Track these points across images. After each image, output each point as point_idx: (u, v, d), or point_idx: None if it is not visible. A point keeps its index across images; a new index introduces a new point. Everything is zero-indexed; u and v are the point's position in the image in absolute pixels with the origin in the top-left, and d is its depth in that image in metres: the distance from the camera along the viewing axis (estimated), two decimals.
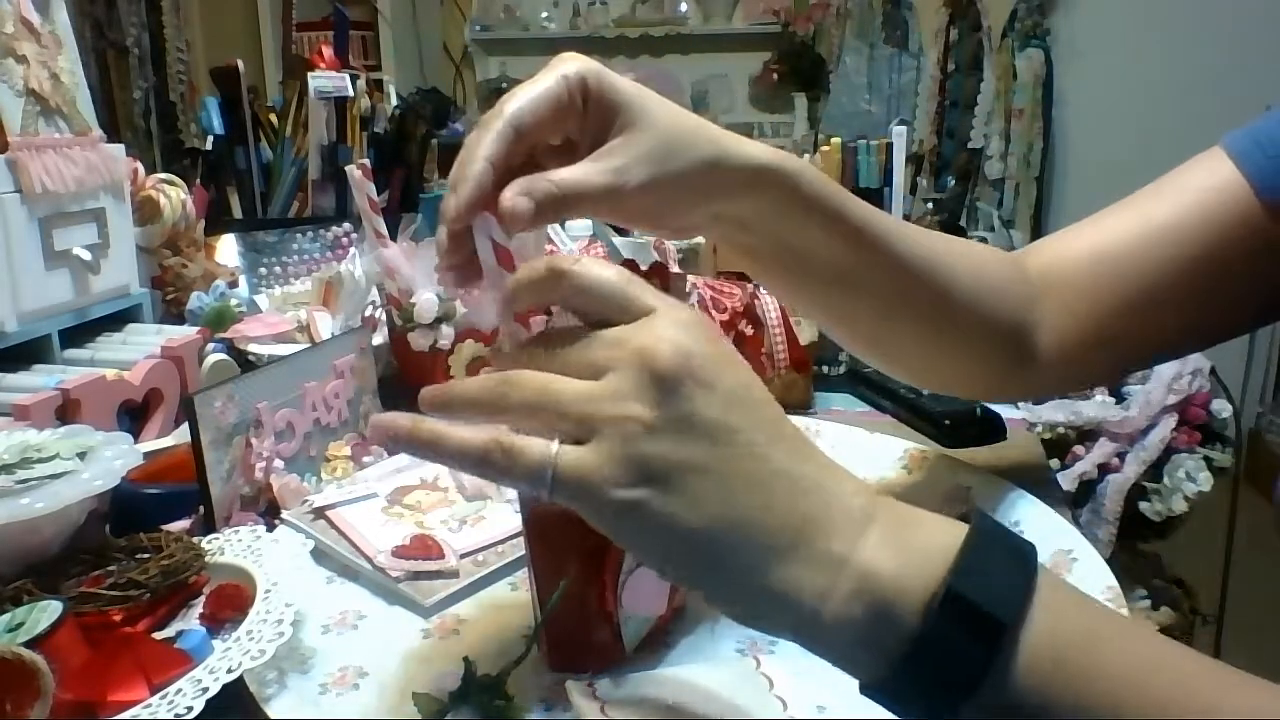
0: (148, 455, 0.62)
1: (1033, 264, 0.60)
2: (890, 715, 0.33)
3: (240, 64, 1.23)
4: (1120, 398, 1.47)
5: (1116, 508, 1.42)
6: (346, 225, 1.16)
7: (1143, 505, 1.44)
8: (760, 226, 0.49)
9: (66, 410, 0.67)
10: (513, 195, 0.39)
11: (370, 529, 0.60)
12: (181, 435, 0.66)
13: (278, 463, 0.65)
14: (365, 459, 0.71)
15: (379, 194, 0.84)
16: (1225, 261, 0.55)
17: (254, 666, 0.43)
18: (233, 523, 0.60)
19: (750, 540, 0.32)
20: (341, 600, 0.56)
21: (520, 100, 0.41)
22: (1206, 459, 1.44)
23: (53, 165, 0.78)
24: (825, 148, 1.16)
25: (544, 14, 3.59)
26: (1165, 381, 1.43)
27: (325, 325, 0.84)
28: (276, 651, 0.44)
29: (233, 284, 1.02)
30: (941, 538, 0.33)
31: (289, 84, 1.26)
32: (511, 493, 0.62)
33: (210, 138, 1.24)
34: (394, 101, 1.38)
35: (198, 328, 0.85)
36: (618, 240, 0.84)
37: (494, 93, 3.48)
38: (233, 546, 0.54)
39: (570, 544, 0.47)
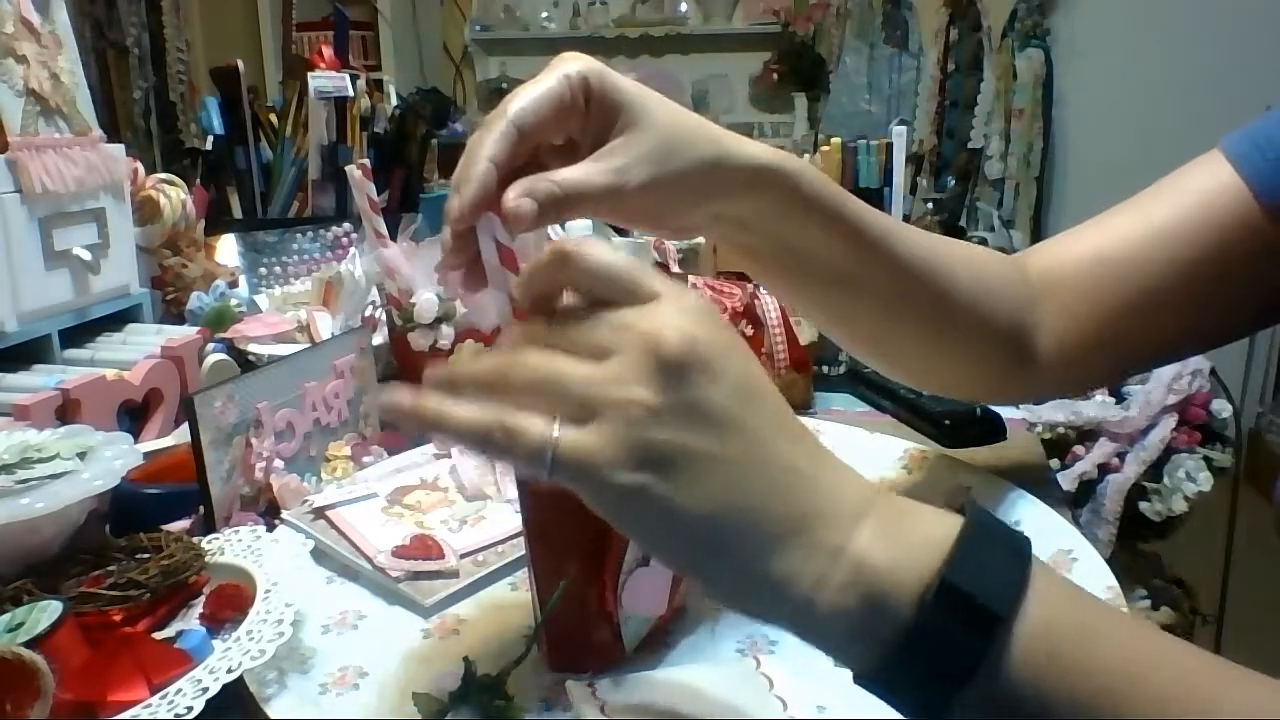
0: (148, 455, 0.62)
1: (1033, 266, 0.60)
2: (890, 716, 0.33)
3: (240, 64, 1.23)
4: (1120, 398, 1.47)
5: (1116, 508, 1.42)
6: (346, 225, 1.16)
7: (1143, 505, 1.44)
8: (760, 226, 0.49)
9: (66, 410, 0.67)
10: (515, 196, 0.39)
11: (370, 529, 0.60)
12: (181, 435, 0.66)
13: (278, 463, 0.65)
14: (365, 459, 0.72)
15: (379, 194, 0.84)
16: (1225, 264, 0.55)
17: (254, 666, 0.43)
18: (233, 523, 0.60)
19: (749, 529, 0.32)
20: (341, 600, 0.56)
21: (523, 100, 0.41)
22: (1206, 459, 1.44)
23: (53, 165, 0.78)
24: (825, 148, 1.16)
25: (544, 14, 3.59)
26: (1165, 382, 1.43)
27: (325, 325, 0.84)
28: (276, 651, 0.44)
29: (233, 284, 1.02)
30: (937, 530, 0.33)
31: (289, 84, 1.26)
32: (512, 492, 0.62)
33: (210, 138, 1.24)
34: (394, 101, 1.38)
35: (198, 328, 0.85)
36: (618, 240, 0.84)
37: (494, 93, 3.48)
38: (233, 546, 0.54)
39: (570, 544, 0.47)
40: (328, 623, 0.54)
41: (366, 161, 0.81)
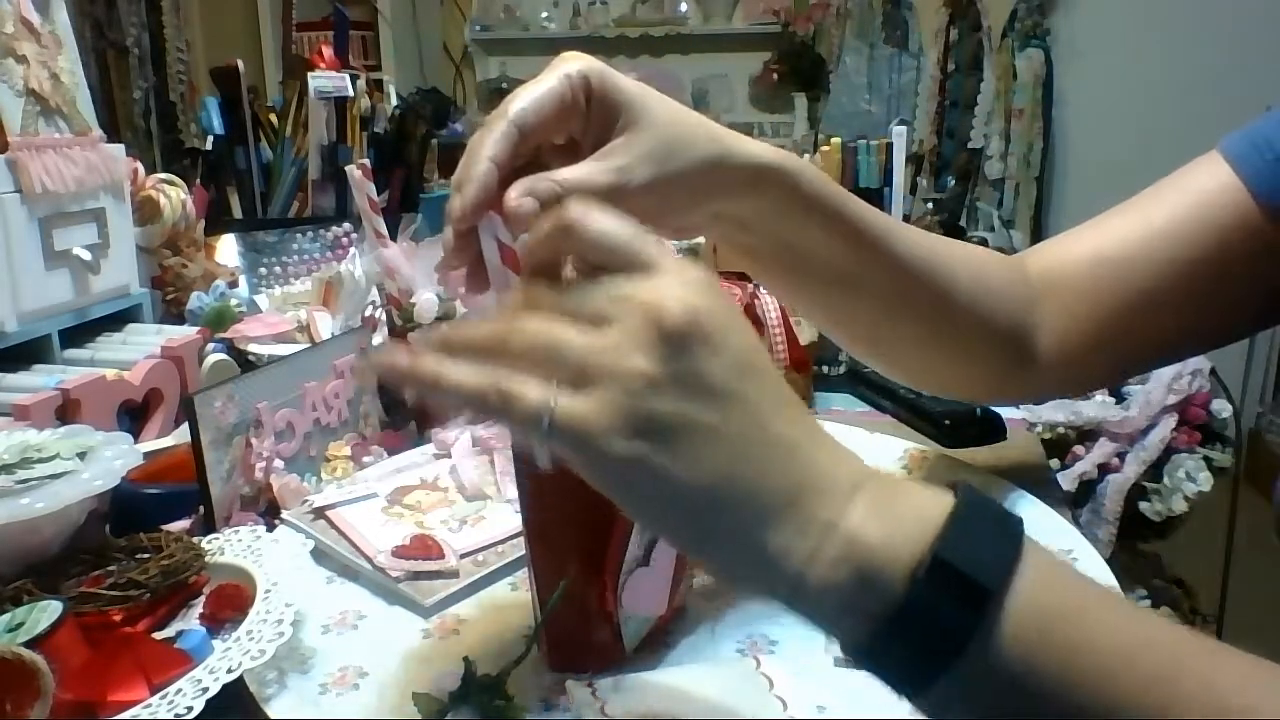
0: (148, 455, 0.62)
1: (1033, 266, 0.60)
2: (891, 717, 0.33)
3: (240, 64, 1.23)
4: (1120, 398, 1.47)
5: (1116, 508, 1.42)
6: (346, 225, 1.16)
7: (1143, 505, 1.44)
8: (760, 226, 0.49)
9: (66, 410, 0.67)
10: (517, 196, 0.39)
11: (370, 529, 0.60)
12: (181, 435, 0.66)
13: (278, 463, 0.65)
14: (365, 459, 0.72)
15: (379, 194, 0.84)
16: (1225, 265, 0.55)
17: (254, 666, 0.43)
18: (233, 523, 0.60)
19: (744, 503, 0.32)
20: (341, 600, 0.56)
21: (524, 100, 0.41)
22: (1206, 459, 1.44)
23: (53, 165, 0.78)
24: (825, 148, 1.16)
25: (544, 14, 3.59)
26: (1165, 382, 1.43)
27: (325, 325, 0.84)
28: (276, 651, 0.44)
29: (233, 284, 1.02)
30: (929, 507, 0.33)
31: (289, 84, 1.26)
32: (512, 492, 0.63)
33: (210, 138, 1.24)
34: (394, 101, 1.38)
35: (198, 328, 0.85)
36: None
37: (494, 93, 3.48)
38: (233, 546, 0.54)
39: (570, 544, 0.47)
40: (328, 623, 0.54)
41: (366, 161, 0.81)
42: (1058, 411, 1.42)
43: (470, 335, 0.34)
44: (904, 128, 1.16)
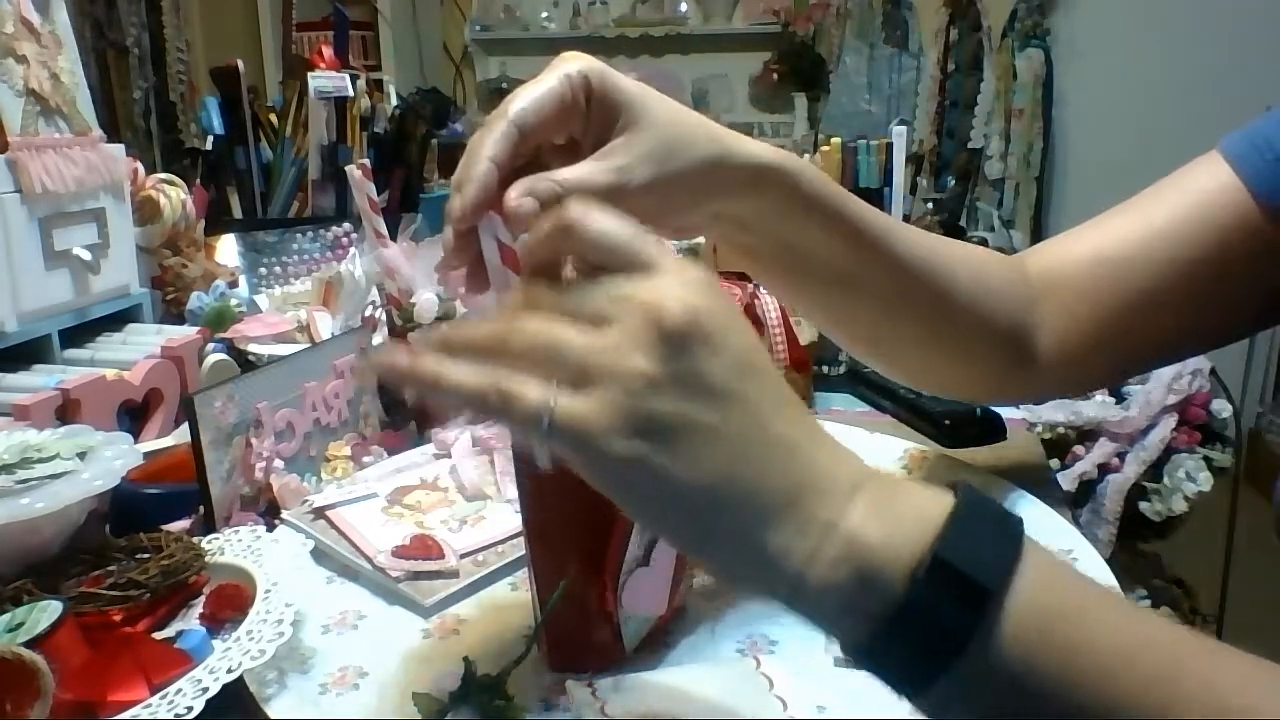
0: (148, 455, 0.62)
1: (1033, 267, 0.60)
2: (891, 717, 0.33)
3: (240, 64, 1.23)
4: (1120, 398, 1.47)
5: (1116, 508, 1.42)
6: (346, 225, 1.16)
7: (1143, 505, 1.44)
8: (760, 226, 0.49)
9: (66, 410, 0.67)
10: (517, 196, 0.39)
11: (370, 529, 0.60)
12: (181, 435, 0.66)
13: (278, 463, 0.65)
14: (365, 459, 0.72)
15: (379, 194, 0.84)
16: (1225, 264, 0.55)
17: (254, 666, 0.43)
18: (233, 523, 0.60)
19: (743, 503, 0.32)
20: (341, 600, 0.56)
21: (523, 100, 0.41)
22: (1206, 459, 1.44)
23: (53, 165, 0.78)
24: (825, 148, 1.16)
25: (544, 14, 3.59)
26: (1165, 381, 1.43)
27: (325, 325, 0.84)
28: (276, 651, 0.44)
29: (233, 284, 1.02)
30: (929, 507, 0.33)
31: (289, 84, 1.26)
32: (512, 492, 0.63)
33: (210, 138, 1.24)
34: (394, 101, 1.38)
35: (198, 328, 0.85)
36: None
37: (494, 93, 3.48)
38: (233, 546, 0.54)
39: (570, 544, 0.47)
40: (328, 623, 0.54)
41: (366, 161, 0.81)
42: (1058, 411, 1.42)
43: (470, 335, 0.34)
44: (904, 128, 1.16)
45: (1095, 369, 0.62)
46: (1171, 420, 1.44)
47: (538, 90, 0.41)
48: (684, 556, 0.51)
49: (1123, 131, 2.88)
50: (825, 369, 0.91)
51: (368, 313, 0.84)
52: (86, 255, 0.81)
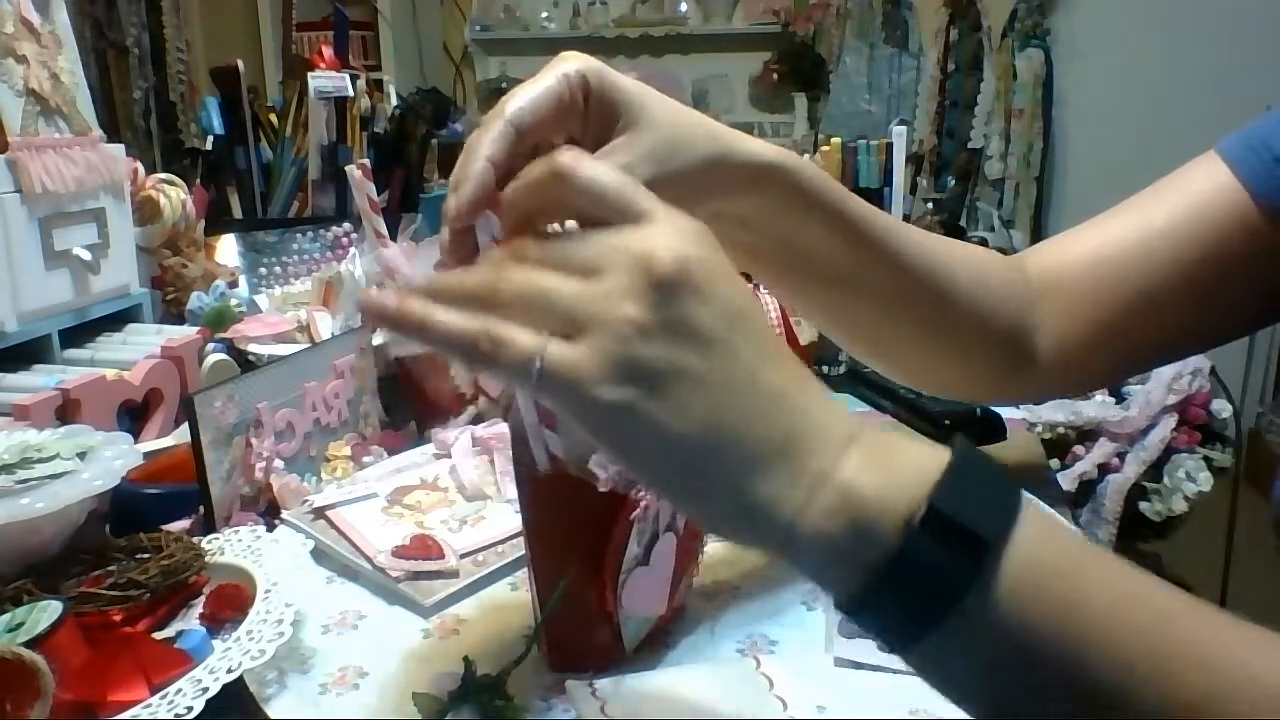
0: (148, 455, 0.62)
1: (1032, 267, 0.60)
2: (891, 717, 0.33)
3: (240, 64, 1.23)
4: (1120, 398, 1.47)
5: (1116, 508, 1.42)
6: (346, 225, 1.16)
7: (1143, 505, 1.44)
8: (761, 225, 0.49)
9: (66, 410, 0.67)
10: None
11: (370, 529, 0.60)
12: (181, 435, 0.66)
13: (278, 463, 0.65)
14: (365, 459, 0.72)
15: (379, 194, 0.84)
16: (1224, 264, 0.55)
17: (254, 666, 0.43)
18: (233, 523, 0.60)
19: (734, 452, 0.32)
20: (341, 600, 0.56)
21: (521, 100, 0.41)
22: (1206, 459, 1.44)
23: (53, 165, 0.78)
24: (825, 148, 1.16)
25: (544, 14, 3.59)
26: (1165, 381, 1.43)
27: (325, 325, 0.84)
28: (276, 651, 0.44)
29: (233, 284, 1.02)
30: (925, 460, 0.33)
31: (289, 84, 1.26)
32: (512, 492, 0.62)
33: (210, 138, 1.24)
34: (394, 101, 1.38)
35: (198, 328, 0.85)
36: None
37: (494, 93, 3.48)
38: (233, 546, 0.54)
39: (570, 544, 0.47)
40: (328, 623, 0.54)
41: (366, 161, 0.81)
42: (1058, 411, 1.42)
43: (459, 283, 0.34)
44: (904, 128, 1.16)
45: (1095, 369, 0.62)
46: (1171, 420, 1.44)
47: (535, 90, 0.41)
48: (684, 557, 0.51)
49: (1123, 131, 2.88)
50: (825, 369, 0.91)
51: None
52: (86, 255, 0.81)
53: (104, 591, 0.49)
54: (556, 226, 0.35)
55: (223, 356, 0.81)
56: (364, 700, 0.47)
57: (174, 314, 0.96)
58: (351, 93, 1.23)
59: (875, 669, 0.48)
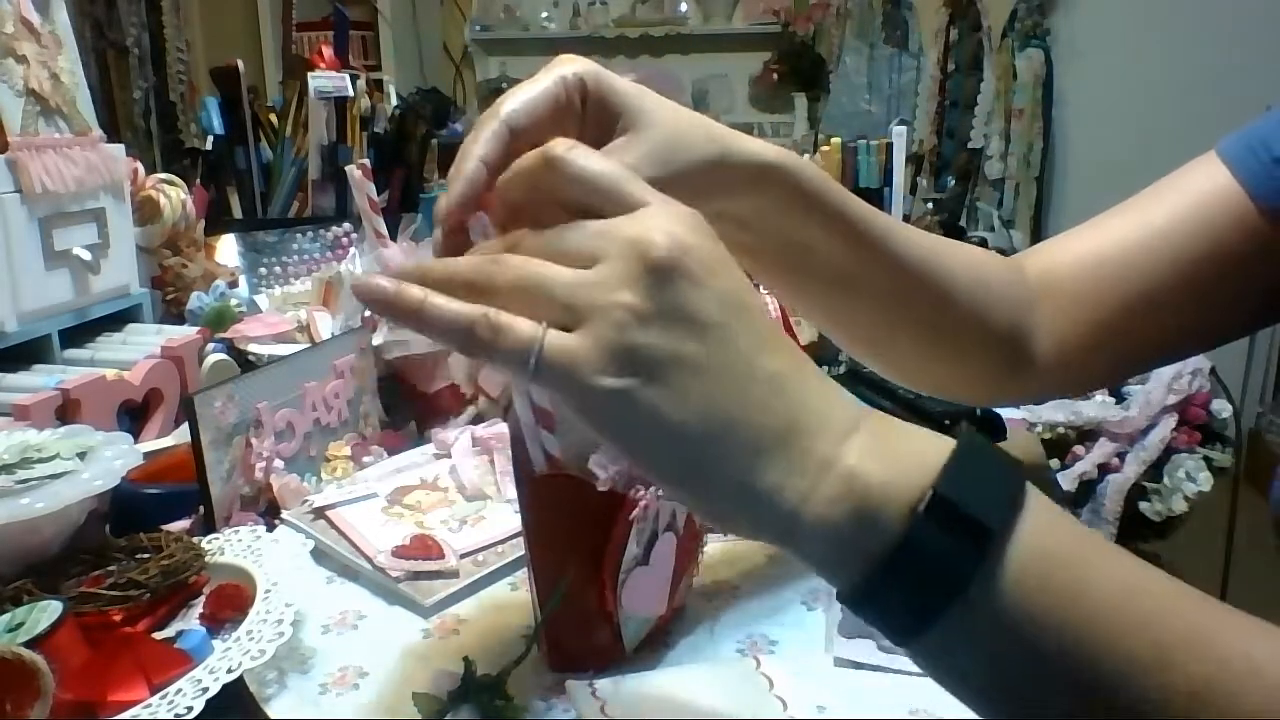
0: (148, 455, 0.62)
1: (1032, 268, 0.60)
2: (890, 716, 0.33)
3: (240, 64, 1.23)
4: (1120, 398, 1.47)
5: (1116, 508, 1.42)
6: (346, 225, 1.16)
7: (1143, 505, 1.44)
8: (761, 225, 0.49)
9: (66, 410, 0.67)
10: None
11: (370, 529, 0.60)
12: (181, 435, 0.66)
13: (278, 463, 0.65)
14: (365, 459, 0.72)
15: (379, 194, 0.84)
16: (1224, 265, 0.55)
17: (254, 666, 0.43)
18: (233, 523, 0.60)
19: (734, 439, 0.32)
20: (341, 600, 0.56)
21: (515, 101, 0.41)
22: (1206, 459, 1.44)
23: (53, 165, 0.78)
24: (825, 148, 1.16)
25: (544, 14, 3.59)
26: (1165, 381, 1.43)
27: (325, 325, 0.84)
28: (276, 651, 0.44)
29: (233, 284, 1.02)
30: (929, 449, 0.33)
31: (289, 84, 1.26)
32: (512, 492, 0.63)
33: (210, 138, 1.24)
34: (394, 101, 1.38)
35: (198, 328, 0.85)
36: None
37: (494, 93, 3.47)
38: (233, 546, 0.54)
39: (570, 544, 0.47)
40: (328, 623, 0.54)
41: (366, 161, 0.81)
42: (1058, 411, 1.42)
43: (455, 269, 0.34)
44: (904, 128, 1.16)
45: (1094, 369, 0.62)
46: (1171, 420, 1.44)
47: (531, 91, 0.41)
48: (684, 557, 0.51)
49: (1123, 131, 2.88)
50: (825, 369, 0.91)
51: (368, 313, 0.84)
52: (86, 255, 0.81)
53: (104, 591, 0.49)
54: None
55: (223, 356, 0.81)
56: (364, 700, 0.47)
57: (174, 314, 0.96)
58: (351, 93, 1.23)
59: (875, 669, 0.48)
